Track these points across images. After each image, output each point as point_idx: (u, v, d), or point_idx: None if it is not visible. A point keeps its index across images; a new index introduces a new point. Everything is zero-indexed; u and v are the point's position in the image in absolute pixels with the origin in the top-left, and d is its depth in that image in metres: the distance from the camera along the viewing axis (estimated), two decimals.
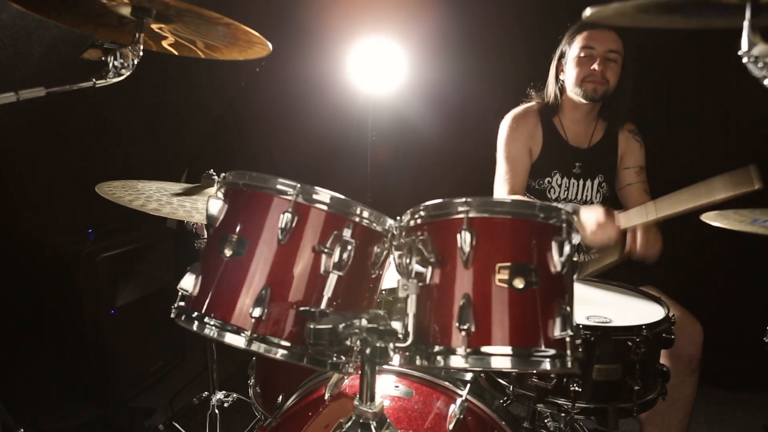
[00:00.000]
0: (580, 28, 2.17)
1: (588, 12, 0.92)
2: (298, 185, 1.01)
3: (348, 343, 0.92)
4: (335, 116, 3.49)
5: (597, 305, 1.71)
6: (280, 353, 0.99)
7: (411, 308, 1.00)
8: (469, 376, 1.44)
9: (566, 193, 2.25)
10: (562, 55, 2.24)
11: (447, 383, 1.39)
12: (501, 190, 2.26)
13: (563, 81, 2.23)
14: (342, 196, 1.03)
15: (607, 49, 2.10)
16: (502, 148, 2.29)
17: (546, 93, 2.30)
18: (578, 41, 2.15)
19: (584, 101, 2.16)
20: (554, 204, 2.02)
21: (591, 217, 1.82)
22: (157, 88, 2.85)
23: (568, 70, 2.19)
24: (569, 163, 2.24)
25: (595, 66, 2.09)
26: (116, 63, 1.27)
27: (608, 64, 2.10)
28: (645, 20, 1.01)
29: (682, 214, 1.62)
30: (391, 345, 0.96)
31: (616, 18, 1.00)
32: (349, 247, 1.01)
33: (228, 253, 1.01)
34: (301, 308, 0.99)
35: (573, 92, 2.18)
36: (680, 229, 2.75)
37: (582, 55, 2.13)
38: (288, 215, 0.99)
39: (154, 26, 1.31)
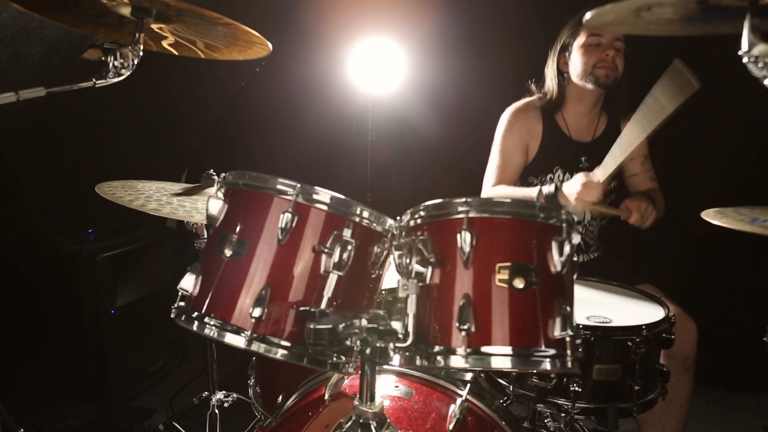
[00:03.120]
0: (582, 20, 2.16)
1: (588, 15, 0.93)
2: (298, 185, 1.01)
3: (348, 343, 0.92)
4: (335, 116, 3.49)
5: (597, 305, 1.71)
6: (280, 353, 0.99)
7: (411, 308, 1.00)
8: (469, 376, 1.44)
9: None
10: (564, 48, 2.22)
11: (447, 383, 1.38)
12: (489, 182, 2.27)
13: (567, 73, 2.22)
14: (342, 196, 1.03)
15: (614, 37, 2.10)
16: (498, 141, 2.30)
17: (546, 88, 2.29)
18: (584, 30, 2.14)
19: (593, 88, 2.15)
20: (536, 188, 2.04)
21: (573, 184, 1.88)
22: (157, 88, 2.85)
23: (574, 60, 2.17)
24: (574, 158, 2.23)
25: (609, 52, 2.09)
26: (116, 63, 1.27)
27: (616, 52, 2.11)
28: (647, 27, 1.01)
29: (647, 137, 1.64)
30: (391, 345, 0.96)
31: (617, 25, 1.00)
32: (349, 247, 1.01)
33: (228, 253, 1.01)
34: (301, 308, 0.99)
35: (582, 80, 2.16)
36: (680, 228, 2.76)
37: (590, 43, 2.12)
38: (288, 215, 0.99)
39: (154, 26, 1.31)
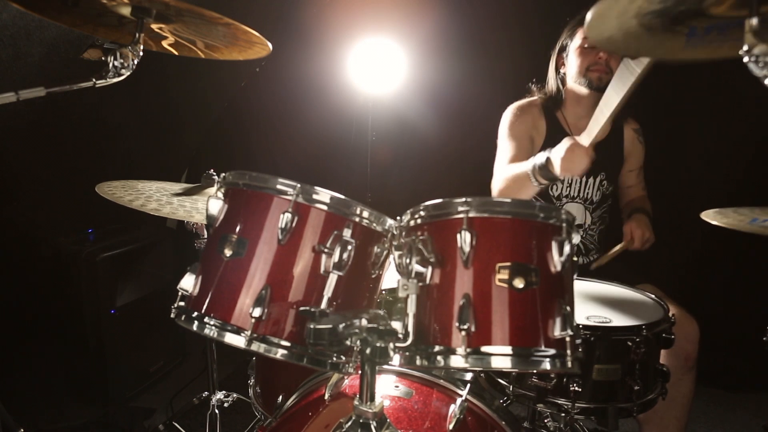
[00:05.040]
0: (580, 21, 2.17)
1: (588, 17, 0.92)
2: (298, 185, 1.01)
3: (348, 343, 0.92)
4: (335, 116, 3.49)
5: (597, 305, 1.71)
6: (280, 353, 0.99)
7: (411, 308, 1.00)
8: (469, 376, 1.44)
9: (569, 189, 2.24)
10: (562, 49, 2.23)
11: (447, 383, 1.38)
12: (503, 167, 2.20)
13: (564, 74, 2.23)
14: (342, 196, 1.03)
15: None
16: (505, 131, 2.25)
17: (547, 88, 2.30)
18: (580, 32, 2.14)
19: (588, 91, 2.15)
20: (531, 161, 1.93)
21: (560, 148, 1.80)
22: (157, 88, 2.85)
23: (570, 62, 2.18)
24: None
25: (603, 54, 2.09)
26: (116, 63, 1.27)
27: (611, 54, 2.10)
28: (648, 47, 1.01)
29: (623, 102, 1.64)
30: (391, 345, 0.96)
31: (618, 43, 1.00)
32: (349, 247, 1.01)
33: (228, 253, 1.01)
34: (301, 308, 0.99)
35: (576, 82, 2.17)
36: (680, 228, 2.76)
37: (585, 45, 2.12)
38: (288, 215, 0.99)
39: (154, 26, 1.31)
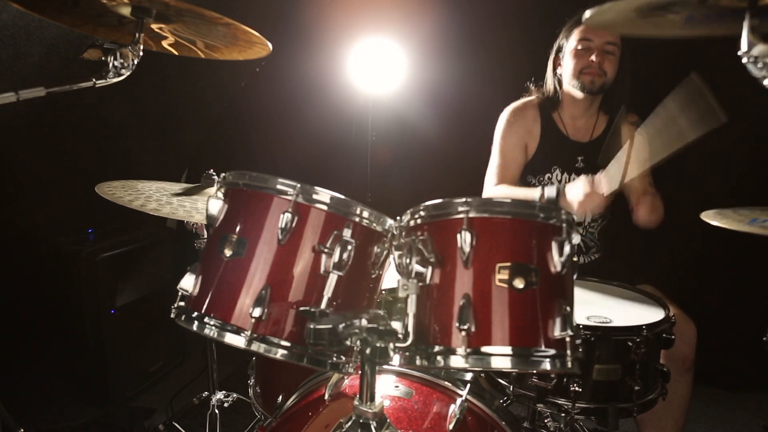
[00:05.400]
0: (577, 21, 2.17)
1: (587, 15, 0.92)
2: (298, 185, 1.01)
3: (348, 343, 0.92)
4: (335, 116, 3.49)
5: (597, 305, 1.71)
6: (280, 353, 0.99)
7: (411, 308, 1.00)
8: (469, 376, 1.44)
9: None
10: (559, 49, 2.24)
11: (447, 383, 1.38)
12: (490, 182, 2.28)
13: (560, 74, 2.23)
14: (342, 196, 1.03)
15: (605, 41, 2.10)
16: (497, 141, 2.30)
17: (545, 88, 2.30)
18: (576, 34, 2.15)
19: (582, 93, 2.15)
20: (538, 189, 1.97)
21: (577, 190, 1.81)
22: (157, 88, 2.85)
23: (566, 63, 2.19)
24: (571, 157, 2.24)
25: (593, 57, 2.09)
26: (116, 63, 1.27)
27: (606, 56, 2.10)
28: (647, 28, 1.01)
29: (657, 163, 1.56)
30: (391, 345, 0.96)
31: (617, 26, 1.00)
32: (349, 247, 1.01)
33: (228, 253, 1.01)
34: (301, 308, 0.99)
35: (570, 85, 2.18)
36: (680, 228, 2.76)
37: (579, 47, 2.12)
38: (288, 215, 0.99)
39: (154, 26, 1.31)
